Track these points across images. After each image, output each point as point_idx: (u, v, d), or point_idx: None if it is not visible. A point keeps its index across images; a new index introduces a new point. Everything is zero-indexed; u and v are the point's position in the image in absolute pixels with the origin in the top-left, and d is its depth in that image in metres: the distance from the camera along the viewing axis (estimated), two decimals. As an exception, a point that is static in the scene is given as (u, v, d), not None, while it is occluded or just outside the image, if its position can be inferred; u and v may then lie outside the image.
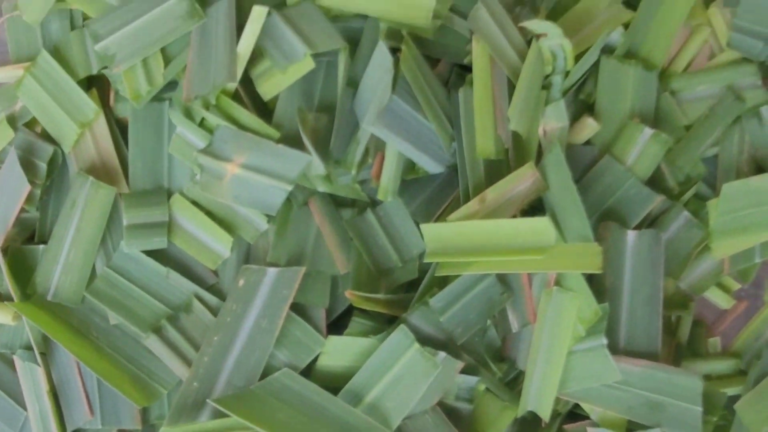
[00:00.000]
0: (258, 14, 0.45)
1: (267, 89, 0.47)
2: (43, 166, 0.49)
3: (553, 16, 0.49)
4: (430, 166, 0.46)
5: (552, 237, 0.42)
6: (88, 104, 0.49)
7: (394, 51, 0.45)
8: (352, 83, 0.46)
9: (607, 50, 0.49)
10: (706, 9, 0.50)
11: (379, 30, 0.45)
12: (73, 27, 0.51)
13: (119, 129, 0.51)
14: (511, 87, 0.46)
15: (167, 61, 0.48)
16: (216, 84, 0.45)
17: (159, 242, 0.47)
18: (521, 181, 0.44)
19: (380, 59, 0.43)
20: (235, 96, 0.47)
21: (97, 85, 0.51)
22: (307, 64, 0.46)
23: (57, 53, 0.50)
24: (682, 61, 0.50)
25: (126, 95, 0.48)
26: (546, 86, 0.47)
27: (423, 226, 0.44)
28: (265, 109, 0.48)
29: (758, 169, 0.49)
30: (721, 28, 0.50)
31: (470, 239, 0.43)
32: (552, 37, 0.45)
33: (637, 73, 0.48)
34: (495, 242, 0.43)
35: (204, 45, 0.47)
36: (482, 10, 0.45)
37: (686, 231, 0.48)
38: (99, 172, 0.49)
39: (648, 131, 0.47)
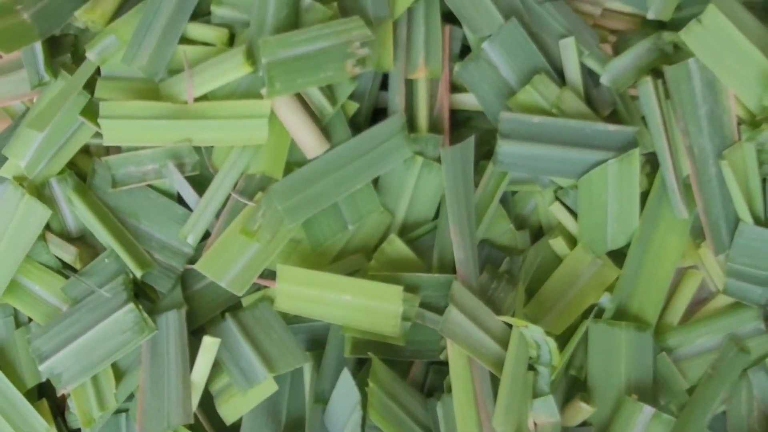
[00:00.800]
0: (209, 345, 0.41)
1: (228, 412, 0.43)
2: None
3: (533, 285, 0.45)
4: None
5: None
6: (39, 421, 0.46)
7: (362, 363, 0.41)
8: (321, 399, 0.42)
9: (596, 312, 0.45)
10: (697, 248, 0.46)
11: (343, 343, 0.42)
12: (17, 324, 0.47)
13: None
14: (495, 380, 0.42)
15: (119, 375, 0.44)
16: (171, 425, 0.41)
17: None
18: (515, 495, 0.41)
19: (346, 390, 0.40)
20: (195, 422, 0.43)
21: (47, 390, 0.47)
22: (270, 387, 0.42)
23: (2, 357, 0.47)
24: (675, 311, 0.47)
25: (77, 416, 0.44)
26: (532, 367, 0.43)
27: None
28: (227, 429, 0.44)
29: (771, 427, 0.46)
30: (716, 270, 0.46)
31: None
32: (533, 331, 0.41)
33: (630, 336, 0.44)
34: None
35: (156, 365, 0.43)
36: (453, 312, 0.41)
37: None
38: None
39: (648, 411, 0.43)
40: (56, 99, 0.44)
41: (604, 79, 0.44)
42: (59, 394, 0.44)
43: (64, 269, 0.46)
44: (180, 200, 0.45)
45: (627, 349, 0.44)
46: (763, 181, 0.45)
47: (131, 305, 0.43)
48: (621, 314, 0.45)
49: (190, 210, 0.45)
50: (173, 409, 0.41)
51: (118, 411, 0.45)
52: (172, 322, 0.43)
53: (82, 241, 0.47)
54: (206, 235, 0.45)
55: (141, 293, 0.46)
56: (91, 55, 0.44)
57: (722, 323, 0.46)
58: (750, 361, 0.45)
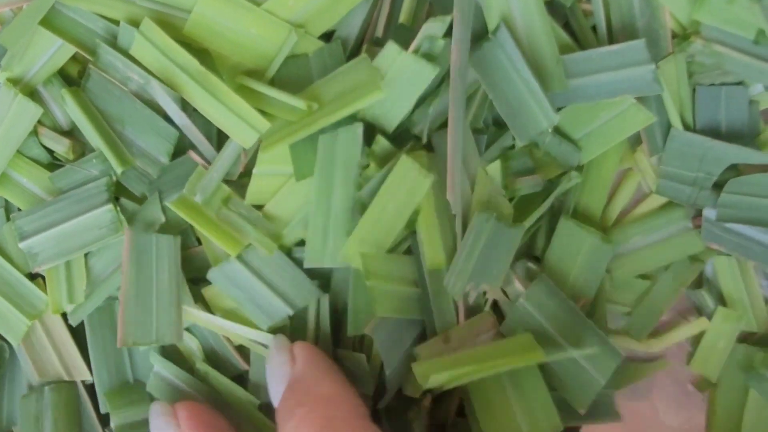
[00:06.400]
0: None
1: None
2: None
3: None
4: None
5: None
6: (38, 296, 0.49)
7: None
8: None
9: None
10: (633, 152, 0.51)
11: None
12: (8, 216, 0.51)
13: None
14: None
15: (90, 276, 0.48)
16: (160, 339, 0.46)
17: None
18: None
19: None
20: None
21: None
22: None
23: (-4, 244, 0.50)
24: (614, 210, 0.51)
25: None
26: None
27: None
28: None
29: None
30: (649, 172, 0.51)
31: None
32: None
33: (592, 242, 0.49)
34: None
35: (141, 281, 0.46)
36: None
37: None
38: (54, 362, 0.50)
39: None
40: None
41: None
42: (33, 271, 0.48)
43: (55, 162, 0.50)
44: (166, 117, 0.48)
45: (586, 252, 0.49)
46: (693, 90, 0.50)
47: (110, 205, 0.47)
48: (573, 211, 0.50)
49: (173, 124, 0.48)
50: (163, 327, 0.46)
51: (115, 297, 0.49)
52: (166, 247, 0.47)
53: (72, 135, 0.50)
54: (180, 151, 0.49)
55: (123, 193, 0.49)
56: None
57: (654, 223, 0.51)
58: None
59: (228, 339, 0.49)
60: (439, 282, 0.45)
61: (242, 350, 0.49)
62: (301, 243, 0.48)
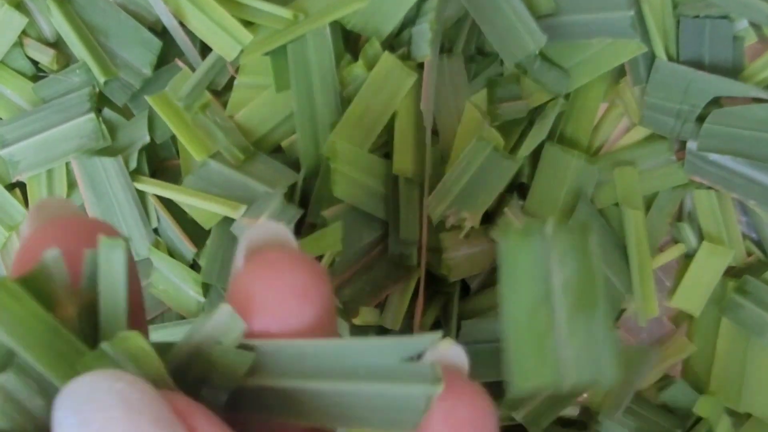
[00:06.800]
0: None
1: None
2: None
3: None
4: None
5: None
6: (15, 207, 0.49)
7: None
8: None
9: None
10: (616, 84, 0.51)
11: None
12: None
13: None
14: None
15: (71, 185, 0.48)
16: (138, 255, 0.46)
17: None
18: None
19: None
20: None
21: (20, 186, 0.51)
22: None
23: (-27, 156, 0.50)
24: (598, 138, 0.51)
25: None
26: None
27: None
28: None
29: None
30: (632, 104, 0.51)
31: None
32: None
33: (579, 165, 0.49)
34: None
35: (105, 206, 0.47)
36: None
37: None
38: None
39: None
40: None
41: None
42: (14, 179, 0.48)
43: (40, 74, 0.50)
44: (150, 29, 0.48)
45: (572, 176, 0.49)
46: (677, 22, 0.50)
47: (92, 115, 0.47)
48: (559, 139, 0.50)
49: (157, 35, 0.48)
50: (138, 243, 0.46)
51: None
52: (113, 169, 0.46)
53: (57, 47, 0.50)
54: (162, 61, 0.49)
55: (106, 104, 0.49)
56: None
57: (638, 154, 0.50)
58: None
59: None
60: (411, 191, 0.45)
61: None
62: (278, 149, 0.48)
